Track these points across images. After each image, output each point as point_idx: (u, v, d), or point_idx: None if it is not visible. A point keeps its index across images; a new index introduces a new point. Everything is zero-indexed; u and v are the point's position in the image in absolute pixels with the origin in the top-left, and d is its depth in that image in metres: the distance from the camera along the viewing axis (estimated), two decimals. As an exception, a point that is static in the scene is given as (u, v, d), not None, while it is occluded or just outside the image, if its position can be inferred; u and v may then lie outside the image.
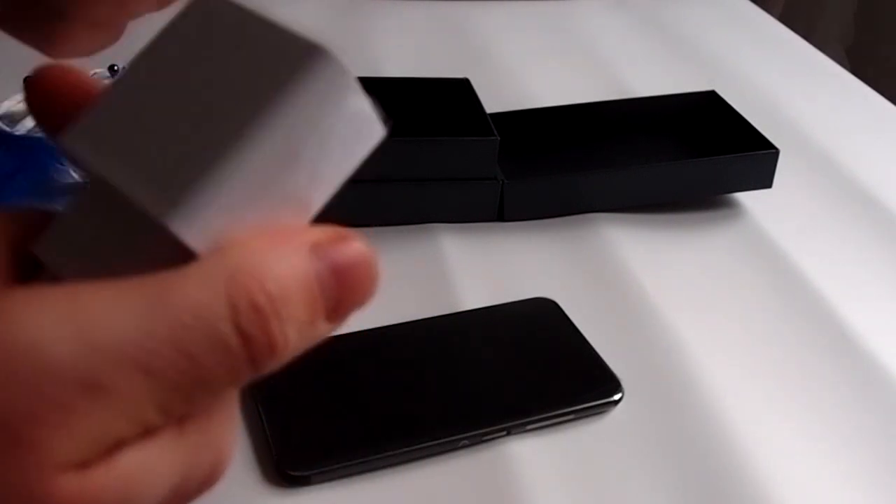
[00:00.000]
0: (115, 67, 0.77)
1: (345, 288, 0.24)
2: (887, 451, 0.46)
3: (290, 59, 0.23)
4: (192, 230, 0.22)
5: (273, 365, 0.23)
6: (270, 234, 0.23)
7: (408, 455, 0.43)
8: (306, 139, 0.23)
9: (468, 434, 0.44)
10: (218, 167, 0.22)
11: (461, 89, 0.67)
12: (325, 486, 0.42)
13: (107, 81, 0.35)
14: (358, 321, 0.51)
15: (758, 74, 0.89)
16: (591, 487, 0.43)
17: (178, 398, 0.22)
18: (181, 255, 0.22)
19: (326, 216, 0.65)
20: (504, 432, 0.45)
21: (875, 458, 0.46)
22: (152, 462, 0.22)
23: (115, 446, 0.22)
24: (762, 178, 0.65)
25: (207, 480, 0.24)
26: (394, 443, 0.43)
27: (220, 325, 0.21)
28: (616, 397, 0.47)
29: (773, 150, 0.64)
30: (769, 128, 0.67)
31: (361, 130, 0.25)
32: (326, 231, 0.24)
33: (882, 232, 0.65)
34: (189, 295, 0.21)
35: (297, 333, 0.22)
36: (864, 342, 0.54)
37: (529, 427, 0.45)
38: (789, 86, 0.87)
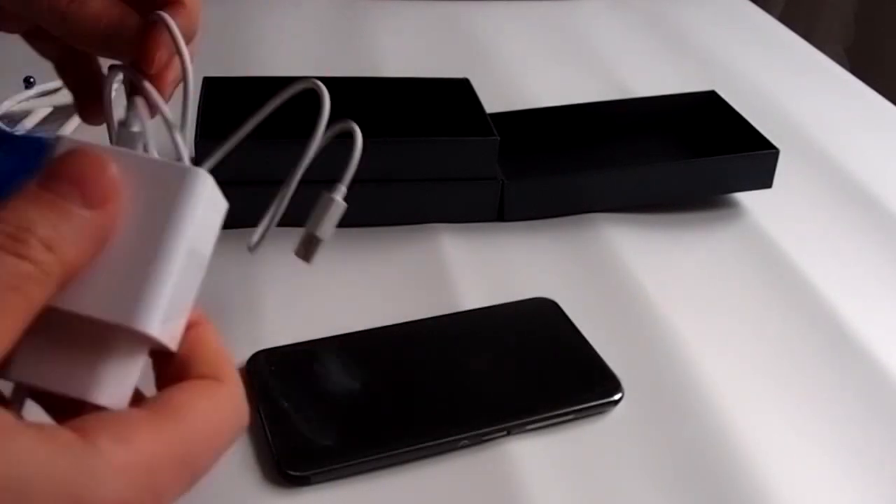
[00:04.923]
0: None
1: (81, 183, 0.27)
2: (887, 451, 0.46)
3: (174, 184, 0.29)
4: (155, 326, 0.28)
5: (54, 251, 0.26)
6: None
7: (408, 455, 0.43)
8: (195, 235, 0.29)
9: (468, 434, 0.44)
10: (153, 277, 0.28)
11: (461, 89, 0.67)
12: (325, 486, 0.42)
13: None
14: (358, 321, 0.51)
15: (758, 74, 0.89)
16: (591, 487, 0.43)
17: None
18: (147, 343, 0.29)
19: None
20: (504, 432, 0.45)
21: (875, 457, 0.46)
22: None
23: None
24: (762, 178, 0.65)
25: None
26: (394, 443, 0.43)
27: None
28: (616, 397, 0.47)
29: (773, 150, 0.64)
30: (769, 128, 0.67)
31: (218, 209, 0.31)
32: (46, 164, 0.28)
33: (882, 231, 0.65)
34: None
35: (50, 228, 0.26)
36: (864, 342, 0.54)
37: (529, 427, 0.45)
38: (789, 86, 0.87)
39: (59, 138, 0.29)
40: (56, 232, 0.26)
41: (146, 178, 0.29)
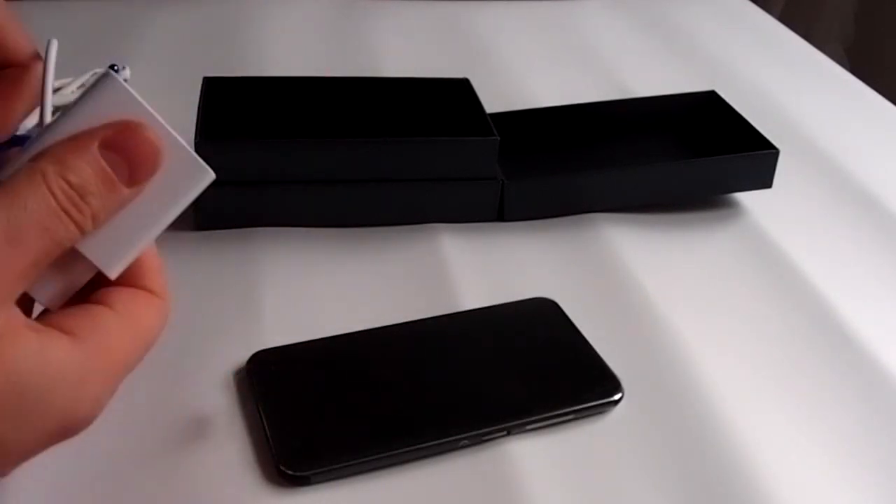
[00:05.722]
0: (115, 67, 0.77)
1: (132, 162, 0.34)
2: (888, 451, 0.46)
3: (187, 177, 0.36)
4: (116, 273, 0.36)
5: (94, 222, 0.34)
6: (69, 140, 0.34)
7: (408, 455, 0.43)
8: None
9: (468, 434, 0.44)
10: (137, 245, 0.36)
11: (461, 89, 0.67)
12: (325, 486, 0.42)
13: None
14: (359, 321, 0.51)
15: (758, 74, 0.89)
16: (591, 487, 0.43)
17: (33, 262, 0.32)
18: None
19: (330, 214, 0.64)
20: (504, 432, 0.45)
21: (876, 457, 0.46)
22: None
23: None
24: (762, 178, 0.65)
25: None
26: (394, 443, 0.43)
27: (50, 205, 0.32)
28: (616, 397, 0.47)
29: (773, 150, 0.64)
30: (769, 128, 0.68)
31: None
32: (113, 126, 0.34)
33: (882, 231, 0.65)
34: (24, 195, 0.32)
35: (100, 201, 0.33)
36: (864, 342, 0.54)
37: (529, 427, 0.45)
38: (789, 86, 0.88)
39: (107, 75, 0.34)
40: (103, 206, 0.34)
41: (171, 160, 0.35)
